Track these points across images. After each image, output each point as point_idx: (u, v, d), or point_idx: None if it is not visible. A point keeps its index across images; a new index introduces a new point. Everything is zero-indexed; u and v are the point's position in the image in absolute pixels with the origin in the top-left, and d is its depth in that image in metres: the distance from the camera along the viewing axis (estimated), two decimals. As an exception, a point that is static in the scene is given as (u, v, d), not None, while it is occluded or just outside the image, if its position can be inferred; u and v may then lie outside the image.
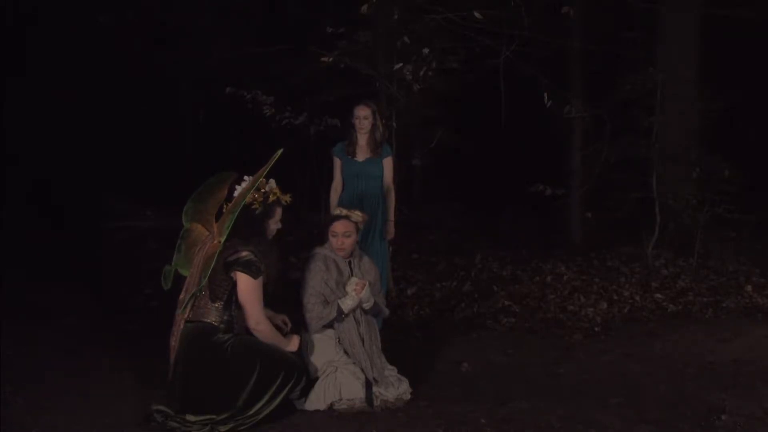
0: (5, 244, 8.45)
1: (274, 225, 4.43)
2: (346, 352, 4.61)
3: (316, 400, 4.47)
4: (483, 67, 8.31)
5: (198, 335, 4.23)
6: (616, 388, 4.86)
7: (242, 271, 4.23)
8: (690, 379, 5.02)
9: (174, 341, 4.32)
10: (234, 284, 4.26)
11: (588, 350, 5.74)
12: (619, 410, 4.43)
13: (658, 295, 7.05)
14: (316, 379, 4.52)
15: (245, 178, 4.47)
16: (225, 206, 4.47)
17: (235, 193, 4.42)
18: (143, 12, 9.90)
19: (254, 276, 4.24)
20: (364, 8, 7.08)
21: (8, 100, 10.41)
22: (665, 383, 4.93)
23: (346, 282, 4.66)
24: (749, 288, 7.20)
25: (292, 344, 4.46)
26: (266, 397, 4.21)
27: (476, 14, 7.30)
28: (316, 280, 4.63)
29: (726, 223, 8.20)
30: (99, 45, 10.38)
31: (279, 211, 4.42)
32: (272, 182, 4.41)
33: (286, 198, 4.46)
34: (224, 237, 4.27)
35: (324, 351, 4.61)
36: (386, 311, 5.01)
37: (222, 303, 4.27)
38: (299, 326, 4.65)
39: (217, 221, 4.49)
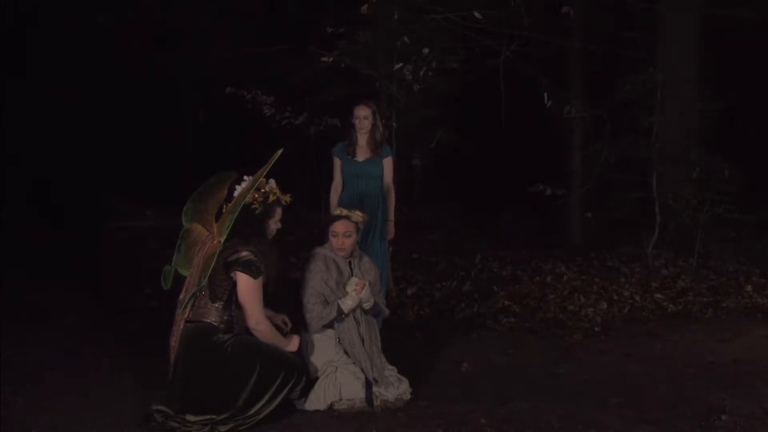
0: (5, 244, 8.45)
1: (274, 225, 4.43)
2: (346, 352, 4.61)
3: (316, 400, 4.47)
4: (483, 67, 8.31)
5: (198, 335, 4.23)
6: (616, 388, 4.86)
7: (242, 271, 4.23)
8: (690, 379, 5.02)
9: (174, 341, 4.32)
10: (234, 284, 4.26)
11: (588, 350, 5.74)
12: (619, 410, 4.42)
13: (658, 295, 7.05)
14: (316, 379, 4.52)
15: (245, 178, 4.46)
16: (225, 206, 4.47)
17: (235, 193, 4.42)
18: (143, 12, 9.90)
19: (254, 276, 4.24)
20: (364, 8, 7.08)
21: (8, 100, 10.40)
22: (665, 383, 4.93)
23: (346, 282, 4.66)
24: (749, 288, 7.19)
25: (292, 344, 4.46)
26: (266, 397, 4.21)
27: (476, 14, 7.30)
28: (316, 280, 4.63)
29: (726, 223, 8.19)
30: (99, 45, 10.37)
31: (279, 211, 4.42)
32: (272, 182, 4.40)
33: (286, 198, 4.46)
34: (224, 237, 4.27)
35: (324, 351, 4.60)
36: (386, 311, 5.01)
37: (222, 303, 4.27)
38: (299, 326, 4.65)
39: (217, 221, 4.49)
